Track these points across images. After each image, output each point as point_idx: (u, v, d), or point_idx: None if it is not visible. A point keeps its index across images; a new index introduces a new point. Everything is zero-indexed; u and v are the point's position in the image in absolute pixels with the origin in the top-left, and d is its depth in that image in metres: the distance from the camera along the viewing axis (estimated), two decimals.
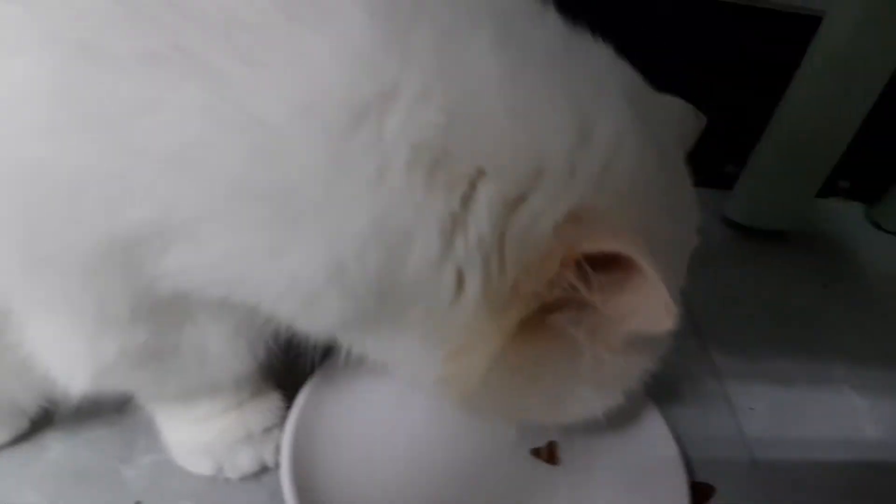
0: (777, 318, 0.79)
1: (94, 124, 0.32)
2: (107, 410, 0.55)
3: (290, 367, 0.51)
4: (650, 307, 0.36)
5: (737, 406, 0.67)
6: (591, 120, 0.36)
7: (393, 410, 0.55)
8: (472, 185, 0.35)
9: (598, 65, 0.39)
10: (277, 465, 0.51)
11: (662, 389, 0.56)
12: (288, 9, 0.33)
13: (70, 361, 0.42)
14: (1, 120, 0.33)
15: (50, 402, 0.51)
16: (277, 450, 0.52)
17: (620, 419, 0.54)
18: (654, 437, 0.56)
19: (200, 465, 0.52)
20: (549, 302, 0.37)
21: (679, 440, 0.57)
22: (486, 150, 0.35)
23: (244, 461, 0.52)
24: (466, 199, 0.35)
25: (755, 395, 0.69)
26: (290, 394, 0.54)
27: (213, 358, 0.44)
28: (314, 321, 0.39)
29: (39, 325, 0.41)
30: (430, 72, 0.33)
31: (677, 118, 0.46)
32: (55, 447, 0.53)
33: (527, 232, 0.36)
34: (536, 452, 0.55)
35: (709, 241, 0.44)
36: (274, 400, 0.53)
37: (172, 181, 0.33)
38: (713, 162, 0.68)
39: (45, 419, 0.54)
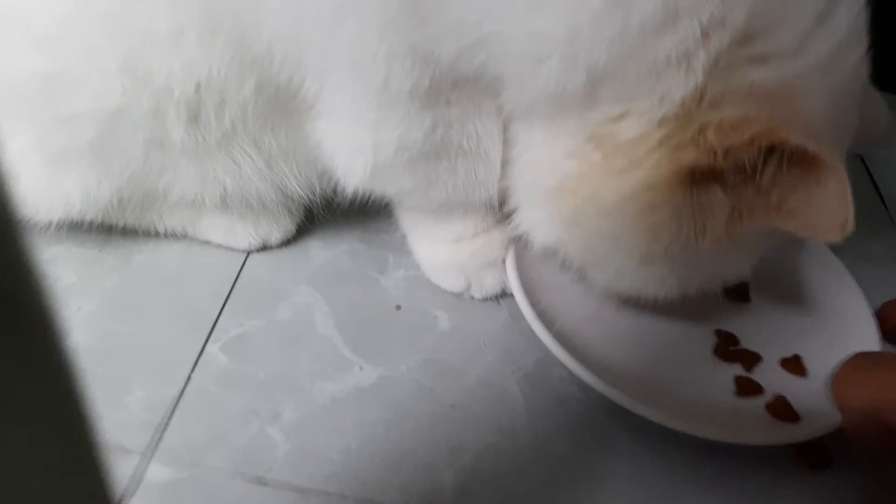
0: None
1: None
2: (358, 230, 0.61)
3: None
4: (826, 217, 0.38)
5: None
6: (834, 5, 0.38)
7: None
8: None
9: None
10: None
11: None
12: None
13: (353, 154, 0.47)
14: None
15: (318, 198, 0.56)
16: None
17: (813, 276, 0.58)
18: (845, 294, 0.57)
19: (452, 283, 0.57)
20: (714, 167, 0.39)
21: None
22: None
23: (489, 283, 0.56)
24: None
25: None
26: None
27: (482, 159, 0.48)
28: (532, 86, 0.41)
29: (331, 118, 0.46)
30: None
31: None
32: (318, 255, 0.60)
33: (736, 79, 0.37)
34: (727, 292, 0.57)
35: None
36: (511, 230, 0.57)
37: None
38: None
39: (307, 228, 0.60)
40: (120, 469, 0.45)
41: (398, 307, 0.56)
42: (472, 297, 0.57)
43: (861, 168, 0.75)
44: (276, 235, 0.58)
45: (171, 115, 0.47)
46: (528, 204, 0.48)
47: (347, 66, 0.43)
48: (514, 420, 0.49)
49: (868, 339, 0.52)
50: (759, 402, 0.49)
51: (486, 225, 0.56)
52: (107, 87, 0.46)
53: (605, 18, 0.37)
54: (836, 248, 0.59)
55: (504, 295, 0.57)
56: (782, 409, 0.48)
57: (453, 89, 0.44)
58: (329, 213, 0.58)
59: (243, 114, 0.48)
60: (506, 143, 0.47)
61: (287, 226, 0.59)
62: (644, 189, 0.40)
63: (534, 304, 0.52)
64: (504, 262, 0.56)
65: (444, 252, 0.57)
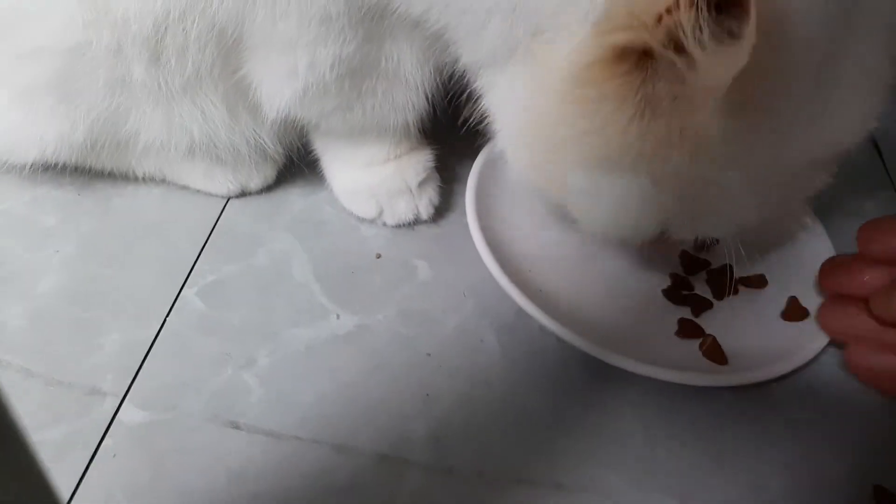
0: None
1: None
2: None
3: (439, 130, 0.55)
4: None
5: None
6: None
7: None
8: None
9: None
10: (430, 219, 0.57)
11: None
12: None
13: (283, 78, 0.46)
14: None
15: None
16: (431, 204, 0.57)
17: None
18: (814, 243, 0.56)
19: (364, 208, 0.56)
20: (645, 44, 0.33)
21: None
22: None
23: (401, 209, 0.56)
24: None
25: None
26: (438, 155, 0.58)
27: (400, 84, 0.48)
28: (478, 46, 0.41)
29: (265, 49, 0.45)
30: None
31: None
32: (298, 202, 0.59)
33: None
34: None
35: None
36: (427, 157, 0.56)
37: None
38: None
39: (287, 175, 0.60)
40: (94, 410, 0.45)
41: (378, 256, 0.55)
42: (384, 224, 0.57)
43: None
44: (255, 181, 0.57)
45: (130, 52, 0.46)
46: (501, 138, 0.46)
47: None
48: (490, 370, 0.49)
49: None
50: (696, 344, 0.50)
51: (399, 152, 0.55)
52: (69, 20, 0.45)
53: None
54: (830, 205, 0.58)
55: (419, 222, 0.57)
56: (712, 350, 0.49)
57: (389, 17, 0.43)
58: (310, 161, 0.57)
59: (205, 59, 0.46)
60: (483, 91, 0.46)
61: (267, 172, 0.58)
62: (578, 83, 0.37)
63: (484, 230, 0.52)
64: (417, 188, 0.56)
65: (355, 176, 0.56)
